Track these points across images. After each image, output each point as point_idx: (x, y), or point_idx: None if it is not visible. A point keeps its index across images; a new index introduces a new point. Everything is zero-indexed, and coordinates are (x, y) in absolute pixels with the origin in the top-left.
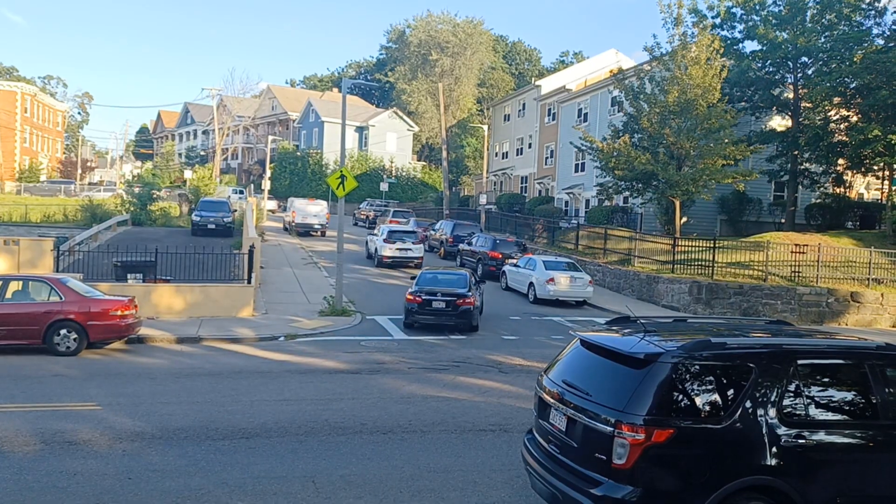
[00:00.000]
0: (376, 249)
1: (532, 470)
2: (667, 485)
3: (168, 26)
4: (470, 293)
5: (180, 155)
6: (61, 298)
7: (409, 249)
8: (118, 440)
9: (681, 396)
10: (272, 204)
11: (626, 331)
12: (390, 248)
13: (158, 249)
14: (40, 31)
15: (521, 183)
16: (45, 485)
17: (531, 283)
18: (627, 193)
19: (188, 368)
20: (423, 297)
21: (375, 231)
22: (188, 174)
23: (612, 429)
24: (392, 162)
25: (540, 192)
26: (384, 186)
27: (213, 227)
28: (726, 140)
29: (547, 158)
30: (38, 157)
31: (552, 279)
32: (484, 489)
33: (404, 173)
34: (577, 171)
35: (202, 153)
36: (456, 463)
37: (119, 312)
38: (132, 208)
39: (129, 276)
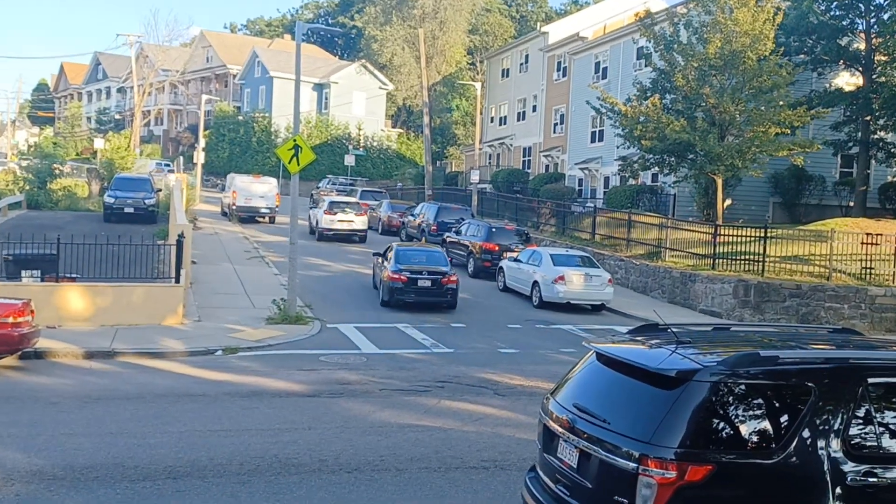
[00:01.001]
0: (317, 222)
1: None
2: None
3: None
4: (452, 271)
5: (89, 119)
6: None
7: (352, 221)
8: (9, 481)
9: (722, 424)
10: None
11: (653, 342)
12: (331, 219)
13: (62, 239)
14: None
15: (524, 156)
16: None
17: (535, 283)
18: (657, 169)
19: (100, 390)
20: (409, 276)
21: (319, 205)
22: (99, 144)
23: (635, 465)
24: (360, 129)
25: (547, 167)
26: (350, 160)
27: (131, 210)
28: (781, 102)
29: (556, 125)
30: None
31: (562, 277)
32: None
33: (376, 143)
34: (593, 140)
35: (117, 117)
36: None
37: (10, 319)
38: (28, 187)
39: (23, 273)
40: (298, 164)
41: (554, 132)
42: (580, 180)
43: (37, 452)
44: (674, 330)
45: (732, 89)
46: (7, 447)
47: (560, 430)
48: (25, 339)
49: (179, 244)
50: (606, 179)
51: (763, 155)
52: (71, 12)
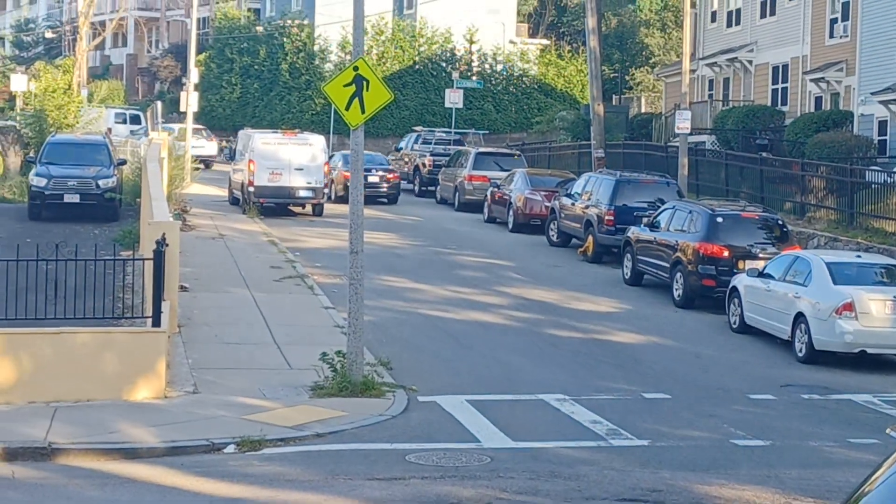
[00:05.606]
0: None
1: None
2: None
3: None
4: (394, 169)
5: (1, 40)
6: None
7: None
8: None
9: None
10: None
11: None
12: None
13: None
14: None
15: (774, 82)
16: None
17: (800, 316)
18: None
19: None
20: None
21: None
22: (20, 83)
23: None
24: (472, 42)
25: (819, 100)
26: (455, 97)
27: (75, 199)
28: None
29: (834, 22)
30: None
31: (849, 306)
32: None
33: (500, 67)
34: None
35: (49, 35)
36: None
37: None
38: None
39: None
40: (363, 111)
41: (831, 36)
42: (882, 123)
43: None
44: None
45: None
46: None
47: None
48: None
49: (159, 257)
50: None
51: None
52: None
